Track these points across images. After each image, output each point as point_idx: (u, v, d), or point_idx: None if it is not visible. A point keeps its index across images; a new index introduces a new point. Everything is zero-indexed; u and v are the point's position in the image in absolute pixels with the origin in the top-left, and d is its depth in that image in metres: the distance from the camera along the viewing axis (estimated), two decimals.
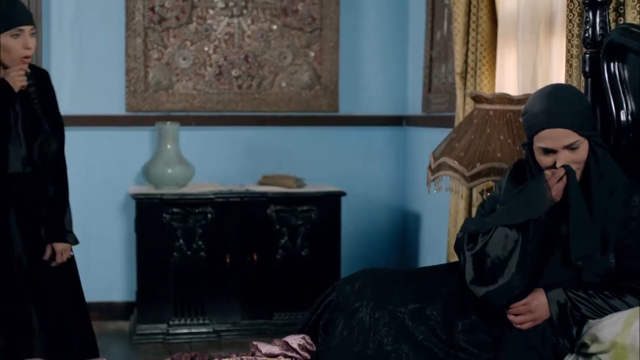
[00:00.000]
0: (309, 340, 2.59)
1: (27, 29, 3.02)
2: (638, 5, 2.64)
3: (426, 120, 4.97)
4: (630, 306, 2.31)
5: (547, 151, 2.39)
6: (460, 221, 3.95)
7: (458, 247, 2.55)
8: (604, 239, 2.37)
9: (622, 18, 2.73)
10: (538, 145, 2.40)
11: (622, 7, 2.73)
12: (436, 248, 4.71)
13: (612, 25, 2.75)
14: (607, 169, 2.41)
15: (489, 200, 2.65)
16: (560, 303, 2.35)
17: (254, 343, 2.65)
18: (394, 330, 2.43)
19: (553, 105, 2.37)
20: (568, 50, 2.98)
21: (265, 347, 2.60)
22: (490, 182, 3.18)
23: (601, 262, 2.37)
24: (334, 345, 2.48)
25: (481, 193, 3.33)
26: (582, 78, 2.84)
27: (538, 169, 2.45)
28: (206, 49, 5.18)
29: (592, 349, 2.23)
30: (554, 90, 2.45)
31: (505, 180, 2.60)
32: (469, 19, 3.88)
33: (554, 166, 2.39)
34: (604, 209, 2.37)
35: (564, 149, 2.37)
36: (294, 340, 2.59)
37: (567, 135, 2.36)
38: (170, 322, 4.69)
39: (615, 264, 2.38)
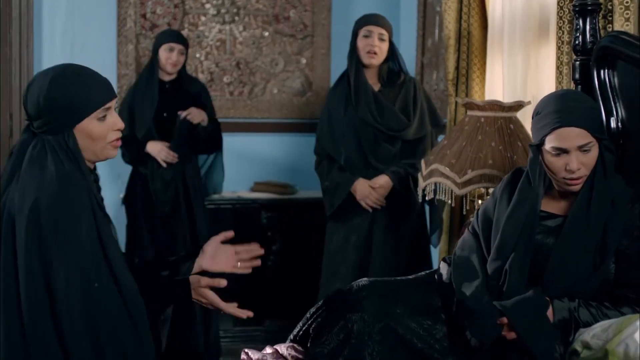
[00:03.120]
0: (299, 348, 2.59)
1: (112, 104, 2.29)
2: (626, 12, 2.65)
3: None
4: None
5: (559, 152, 2.38)
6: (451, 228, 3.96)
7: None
8: (603, 249, 2.37)
9: (610, 25, 2.74)
10: (550, 145, 2.38)
11: (610, 14, 2.74)
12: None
13: (602, 33, 2.76)
14: (611, 177, 2.41)
15: (482, 213, 2.64)
16: (564, 315, 2.34)
17: (245, 350, 2.64)
18: (389, 338, 2.44)
19: (568, 105, 2.39)
20: (558, 58, 2.98)
21: (256, 355, 2.59)
22: (481, 188, 3.19)
23: (594, 281, 2.38)
24: (331, 349, 2.48)
25: (472, 200, 3.33)
26: (573, 85, 2.84)
27: (543, 173, 2.46)
28: (198, 55, 5.18)
29: (583, 355, 2.23)
30: (567, 92, 2.51)
31: (500, 191, 2.60)
32: (460, 26, 3.89)
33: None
34: (603, 221, 2.37)
35: (577, 150, 2.36)
36: (285, 348, 2.59)
37: (582, 136, 2.36)
38: None
39: (614, 273, 2.38)
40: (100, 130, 2.21)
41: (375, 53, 3.95)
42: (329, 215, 4.06)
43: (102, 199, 2.30)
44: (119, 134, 2.26)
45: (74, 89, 2.18)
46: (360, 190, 3.94)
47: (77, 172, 2.16)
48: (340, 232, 4.02)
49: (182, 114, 4.31)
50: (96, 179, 2.34)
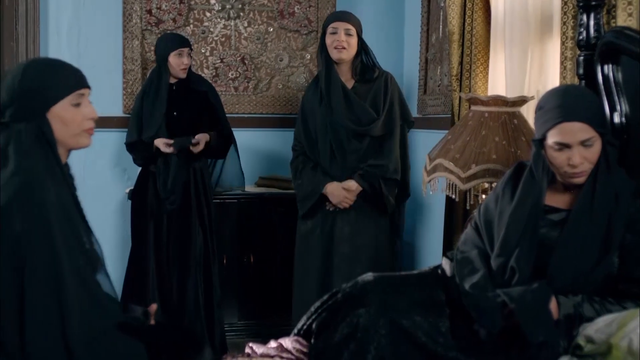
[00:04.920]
0: (303, 342, 2.60)
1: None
2: (629, 7, 2.65)
3: (422, 122, 4.97)
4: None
5: (562, 147, 2.38)
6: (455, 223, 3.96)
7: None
8: (607, 242, 2.37)
9: (614, 20, 2.74)
10: (553, 140, 2.39)
11: (614, 9, 2.74)
12: (432, 249, 4.72)
13: (606, 28, 2.76)
14: (615, 171, 2.41)
15: (484, 209, 2.65)
16: (569, 311, 2.35)
17: (250, 344, 2.65)
18: (394, 332, 2.45)
19: (570, 100, 2.39)
20: (562, 53, 2.99)
21: (260, 349, 2.61)
22: (485, 183, 3.20)
23: (597, 275, 2.38)
24: (336, 342, 2.49)
25: (476, 195, 3.34)
26: (577, 80, 2.85)
27: (547, 167, 2.46)
28: (203, 51, 5.19)
29: (587, 350, 2.23)
30: (569, 88, 2.51)
31: (502, 186, 2.60)
32: (464, 21, 3.89)
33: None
34: (607, 215, 2.37)
35: (579, 145, 2.37)
36: (289, 342, 2.60)
37: (584, 130, 2.36)
38: None
39: (617, 267, 2.38)
40: (74, 116, 2.21)
41: (343, 48, 3.95)
42: (301, 216, 4.09)
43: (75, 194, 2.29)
44: (93, 124, 2.26)
45: (47, 73, 2.21)
46: (335, 194, 3.96)
47: (42, 164, 2.14)
48: (304, 231, 4.08)
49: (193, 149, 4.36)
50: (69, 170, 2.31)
